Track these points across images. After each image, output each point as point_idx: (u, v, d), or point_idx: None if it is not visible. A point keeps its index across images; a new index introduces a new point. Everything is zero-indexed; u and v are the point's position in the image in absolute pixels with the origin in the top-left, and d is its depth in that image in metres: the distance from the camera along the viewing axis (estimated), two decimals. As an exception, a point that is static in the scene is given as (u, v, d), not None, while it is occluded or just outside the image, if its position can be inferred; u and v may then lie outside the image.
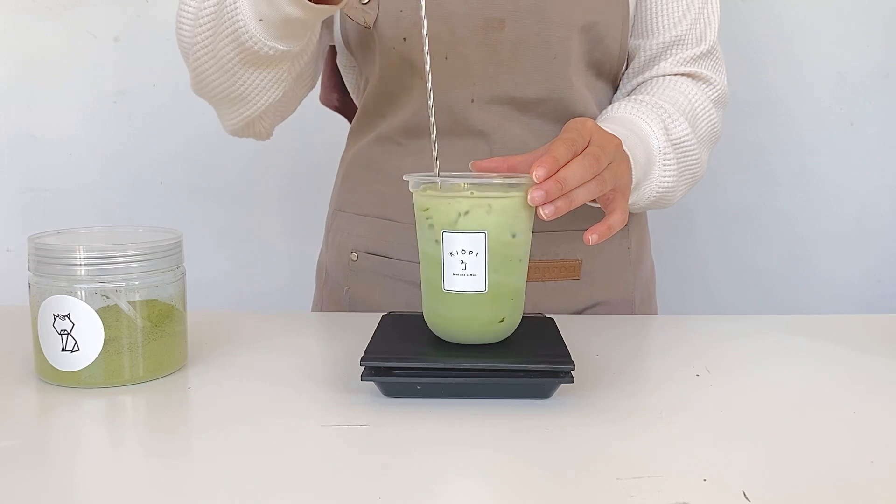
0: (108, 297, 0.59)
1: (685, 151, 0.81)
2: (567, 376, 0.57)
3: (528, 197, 0.57)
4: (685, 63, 0.86)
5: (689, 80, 0.86)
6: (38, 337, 0.60)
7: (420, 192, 0.60)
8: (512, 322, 0.62)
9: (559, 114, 0.84)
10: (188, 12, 0.80)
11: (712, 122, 0.86)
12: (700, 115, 0.84)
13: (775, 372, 0.67)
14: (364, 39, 0.84)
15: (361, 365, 0.58)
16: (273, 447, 0.51)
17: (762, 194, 1.51)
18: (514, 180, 0.59)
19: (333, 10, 0.69)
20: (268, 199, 1.55)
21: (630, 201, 0.76)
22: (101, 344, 0.59)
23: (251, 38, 0.72)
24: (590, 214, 0.76)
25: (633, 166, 0.71)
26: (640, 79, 0.88)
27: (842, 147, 1.49)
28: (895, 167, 1.50)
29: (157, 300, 0.61)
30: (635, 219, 0.93)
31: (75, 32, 1.45)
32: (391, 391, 0.59)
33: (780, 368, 0.68)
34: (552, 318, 0.70)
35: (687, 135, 0.81)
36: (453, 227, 0.58)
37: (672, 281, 1.53)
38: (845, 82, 1.47)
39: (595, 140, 0.64)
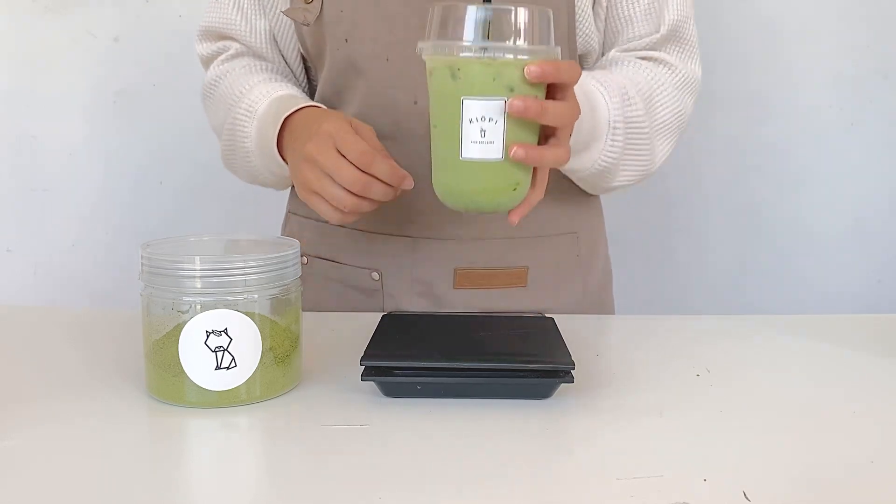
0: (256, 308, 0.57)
1: (635, 130, 0.78)
2: (567, 376, 0.57)
3: (526, 70, 0.56)
4: (642, 50, 0.83)
5: (649, 63, 0.84)
6: (179, 360, 0.55)
7: (437, 60, 0.58)
8: (523, 189, 0.61)
9: None
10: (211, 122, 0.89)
11: (674, 106, 0.83)
12: (656, 97, 0.81)
13: (775, 372, 0.67)
14: (317, 43, 0.84)
15: (361, 365, 0.58)
16: (273, 447, 0.51)
17: (762, 194, 1.51)
18: (534, 48, 0.57)
19: None
20: (268, 198, 1.54)
21: (573, 166, 0.76)
22: (259, 357, 0.57)
23: (264, 178, 0.85)
24: (536, 226, 0.78)
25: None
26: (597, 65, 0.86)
27: (841, 147, 1.49)
28: (894, 168, 1.50)
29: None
30: (587, 224, 0.91)
31: (75, 32, 1.45)
32: (391, 391, 0.59)
33: (779, 368, 0.68)
34: (552, 318, 0.70)
35: (639, 115, 0.78)
36: (473, 93, 0.57)
37: (671, 281, 1.54)
38: (845, 82, 1.47)
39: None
